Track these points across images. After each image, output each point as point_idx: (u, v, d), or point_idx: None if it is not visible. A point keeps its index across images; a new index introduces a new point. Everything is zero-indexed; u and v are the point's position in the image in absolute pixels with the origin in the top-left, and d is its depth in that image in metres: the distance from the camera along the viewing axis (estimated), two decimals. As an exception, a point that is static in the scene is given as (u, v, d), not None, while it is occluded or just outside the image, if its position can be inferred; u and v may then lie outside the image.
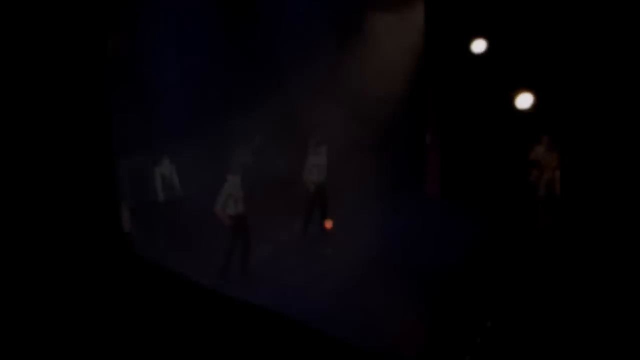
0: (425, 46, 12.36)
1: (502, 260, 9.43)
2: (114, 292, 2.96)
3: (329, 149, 10.68)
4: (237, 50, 14.28)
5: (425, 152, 12.88)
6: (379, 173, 13.08)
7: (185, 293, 3.51)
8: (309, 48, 14.07)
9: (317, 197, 10.57)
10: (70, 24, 3.05)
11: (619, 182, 5.54)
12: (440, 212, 12.19)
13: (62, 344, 2.75)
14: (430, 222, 11.63)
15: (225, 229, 9.51)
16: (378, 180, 12.81)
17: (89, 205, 3.05)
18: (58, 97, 2.97)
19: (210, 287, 3.91)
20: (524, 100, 8.15)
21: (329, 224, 10.65)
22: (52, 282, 2.79)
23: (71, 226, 2.98)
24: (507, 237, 10.42)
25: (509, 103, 12.72)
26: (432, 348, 7.75)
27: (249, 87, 14.31)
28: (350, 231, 10.94)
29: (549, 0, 10.15)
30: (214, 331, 3.19)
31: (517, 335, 7.44)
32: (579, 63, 6.09)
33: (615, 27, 5.51)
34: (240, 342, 3.20)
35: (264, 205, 10.45)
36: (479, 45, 10.46)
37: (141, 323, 3.01)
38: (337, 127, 12.95)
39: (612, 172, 5.62)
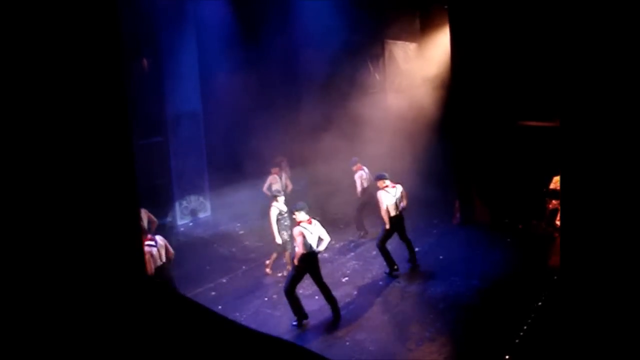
0: (452, 79, 12.57)
1: (520, 291, 9.34)
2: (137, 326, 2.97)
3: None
4: (258, 81, 14.47)
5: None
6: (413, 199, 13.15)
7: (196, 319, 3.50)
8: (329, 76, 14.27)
9: (396, 229, 10.53)
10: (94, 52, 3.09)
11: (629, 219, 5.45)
12: (460, 239, 12.18)
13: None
14: (451, 249, 11.64)
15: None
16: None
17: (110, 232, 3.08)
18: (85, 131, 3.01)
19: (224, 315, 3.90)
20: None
21: None
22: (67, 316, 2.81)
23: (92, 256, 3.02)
24: (525, 268, 10.35)
25: (527, 134, 12.73)
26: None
27: (270, 119, 14.45)
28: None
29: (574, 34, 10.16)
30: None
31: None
32: (596, 95, 6.03)
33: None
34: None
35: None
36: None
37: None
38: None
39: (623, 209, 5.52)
